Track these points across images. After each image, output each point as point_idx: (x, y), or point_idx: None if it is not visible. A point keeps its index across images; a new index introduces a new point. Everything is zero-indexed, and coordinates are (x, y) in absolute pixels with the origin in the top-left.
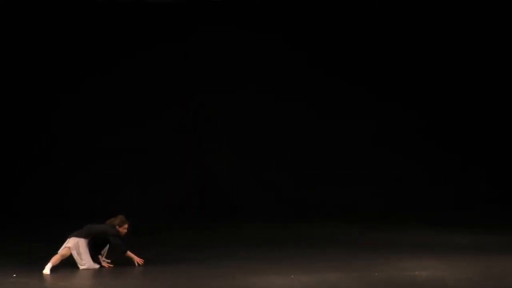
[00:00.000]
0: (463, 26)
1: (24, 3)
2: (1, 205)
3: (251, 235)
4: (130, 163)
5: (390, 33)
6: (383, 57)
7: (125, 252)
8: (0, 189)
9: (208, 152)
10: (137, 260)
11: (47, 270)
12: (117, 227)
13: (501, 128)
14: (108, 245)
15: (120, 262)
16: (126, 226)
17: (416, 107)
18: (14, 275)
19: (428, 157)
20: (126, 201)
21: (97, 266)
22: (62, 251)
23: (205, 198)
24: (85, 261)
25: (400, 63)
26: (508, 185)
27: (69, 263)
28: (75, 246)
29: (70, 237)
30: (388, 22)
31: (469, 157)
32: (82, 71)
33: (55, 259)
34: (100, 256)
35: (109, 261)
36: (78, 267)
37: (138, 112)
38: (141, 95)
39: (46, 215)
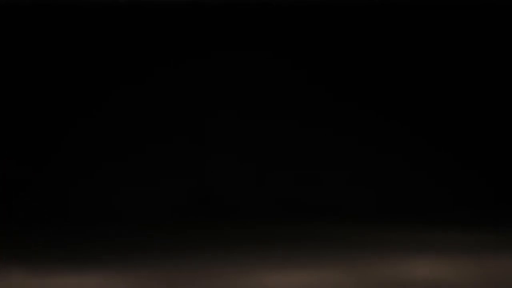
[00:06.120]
0: (460, 22)
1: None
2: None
3: (250, 235)
4: (130, 163)
5: (384, 31)
6: (374, 55)
7: None
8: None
9: (209, 152)
10: None
11: None
12: None
13: (502, 127)
14: None
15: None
16: None
17: (415, 106)
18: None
19: (427, 157)
20: (125, 201)
21: None
22: None
23: (205, 198)
24: None
25: (395, 60)
26: (508, 184)
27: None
28: None
29: None
30: (377, 20)
31: (469, 156)
32: (84, 72)
33: None
34: None
35: None
36: None
37: (137, 111)
38: (141, 95)
39: (47, 219)
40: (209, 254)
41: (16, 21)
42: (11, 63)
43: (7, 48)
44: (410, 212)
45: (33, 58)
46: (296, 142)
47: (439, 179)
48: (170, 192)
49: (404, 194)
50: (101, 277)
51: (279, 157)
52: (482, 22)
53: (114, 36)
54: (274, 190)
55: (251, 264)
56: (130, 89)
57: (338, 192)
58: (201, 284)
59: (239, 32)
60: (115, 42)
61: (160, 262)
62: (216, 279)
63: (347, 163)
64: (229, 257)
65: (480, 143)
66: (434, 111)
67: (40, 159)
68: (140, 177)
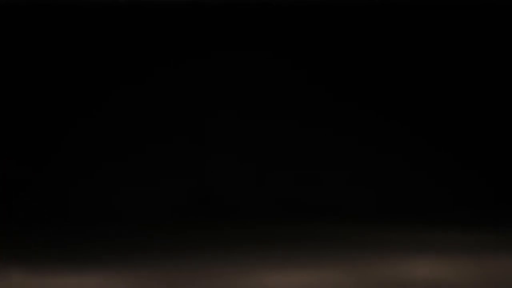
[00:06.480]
0: (460, 22)
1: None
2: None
3: (250, 235)
4: (130, 163)
5: (384, 31)
6: (374, 55)
7: None
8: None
9: (209, 152)
10: None
11: None
12: None
13: (502, 127)
14: None
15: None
16: None
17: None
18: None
19: (427, 157)
20: (125, 201)
21: None
22: None
23: (205, 198)
24: None
25: (395, 60)
26: (508, 184)
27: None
28: None
29: None
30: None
31: (469, 156)
32: (87, 73)
33: None
34: None
35: None
36: None
37: (137, 111)
38: (141, 95)
39: (47, 219)
40: (209, 254)
41: (16, 21)
42: (11, 63)
43: (7, 48)
44: (410, 212)
45: (33, 58)
46: (296, 142)
47: (439, 179)
48: (170, 192)
49: (404, 194)
50: (101, 277)
51: (279, 157)
52: (482, 22)
53: (114, 36)
54: (274, 190)
55: (251, 264)
56: (130, 89)
57: (338, 192)
58: (201, 284)
59: (239, 32)
60: (115, 42)
61: (160, 262)
62: (216, 279)
63: (347, 163)
64: (229, 257)
65: (480, 143)
66: (434, 111)
67: (40, 159)
68: (140, 177)
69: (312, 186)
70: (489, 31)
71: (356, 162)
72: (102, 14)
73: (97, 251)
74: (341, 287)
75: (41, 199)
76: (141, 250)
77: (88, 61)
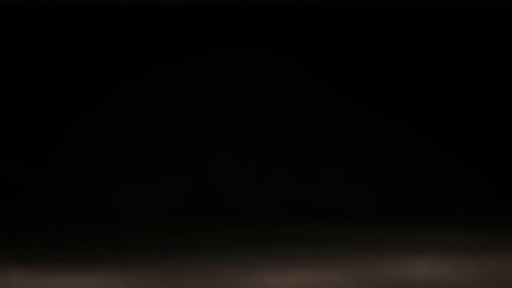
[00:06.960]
0: (460, 22)
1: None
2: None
3: (250, 235)
4: (130, 163)
5: (384, 31)
6: (374, 55)
7: None
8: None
9: (209, 152)
10: None
11: None
12: None
13: (502, 127)
14: None
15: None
16: None
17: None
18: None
19: (427, 157)
20: (125, 201)
21: None
22: None
23: (205, 198)
24: None
25: (395, 60)
26: (508, 184)
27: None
28: None
29: None
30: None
31: (469, 156)
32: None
33: None
34: None
35: None
36: None
37: (137, 111)
38: (141, 95)
39: (47, 219)
40: (209, 254)
41: (16, 21)
42: (11, 63)
43: (7, 48)
44: (410, 212)
45: (33, 58)
46: (296, 142)
47: (439, 179)
48: (170, 192)
49: (404, 194)
50: (101, 277)
51: (279, 157)
52: (482, 22)
53: (114, 36)
54: (274, 190)
55: (251, 264)
56: (130, 89)
57: (338, 192)
58: (201, 284)
59: (239, 32)
60: (115, 42)
61: (160, 262)
62: (216, 279)
63: (347, 163)
64: (229, 257)
65: (480, 143)
66: (434, 111)
67: (40, 159)
68: (140, 177)
69: (312, 186)
70: (489, 31)
71: (356, 162)
72: (102, 14)
73: (97, 251)
74: (341, 287)
75: (41, 199)
76: (141, 250)
77: (88, 61)
